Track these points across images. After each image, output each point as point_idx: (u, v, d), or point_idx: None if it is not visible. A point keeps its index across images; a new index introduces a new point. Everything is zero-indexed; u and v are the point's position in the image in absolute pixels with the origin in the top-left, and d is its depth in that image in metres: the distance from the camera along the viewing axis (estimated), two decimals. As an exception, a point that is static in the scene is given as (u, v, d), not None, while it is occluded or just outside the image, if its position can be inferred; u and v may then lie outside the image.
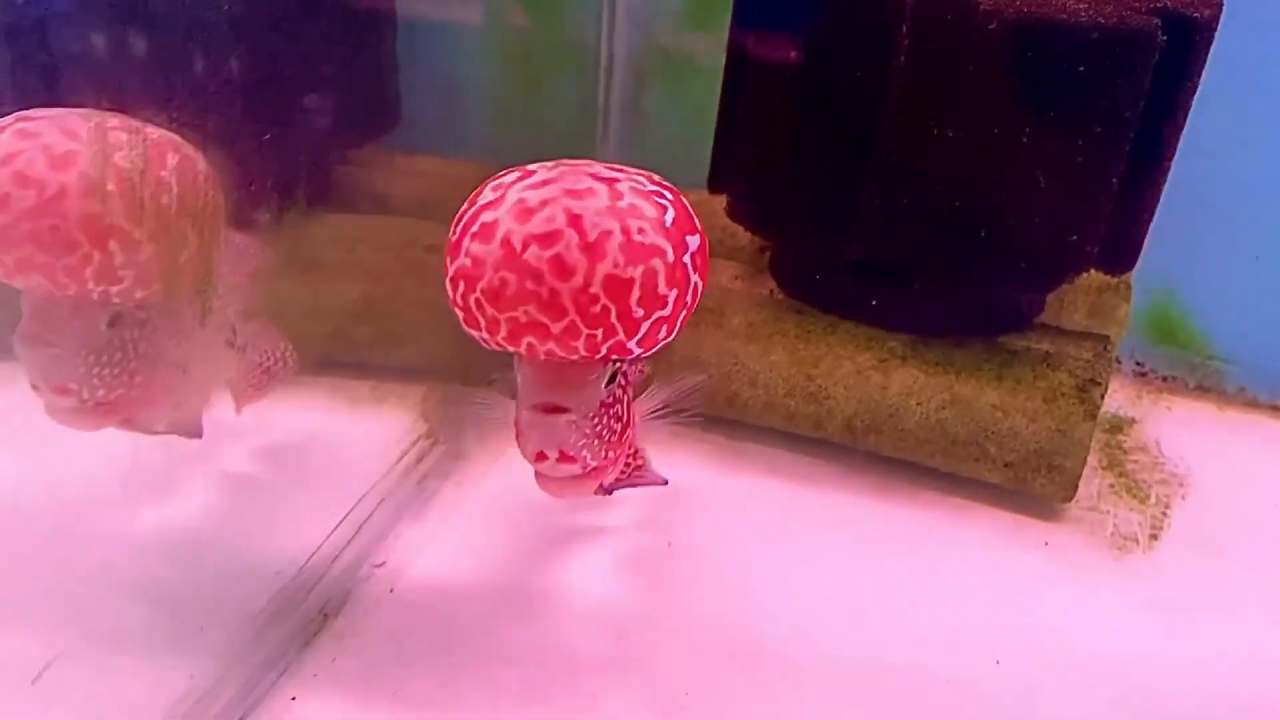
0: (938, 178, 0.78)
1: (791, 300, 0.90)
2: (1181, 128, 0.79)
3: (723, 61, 0.87)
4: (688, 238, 0.53)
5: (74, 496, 0.71)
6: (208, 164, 0.56)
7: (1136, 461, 0.90)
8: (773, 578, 0.75)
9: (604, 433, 0.58)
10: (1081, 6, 0.74)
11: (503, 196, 0.51)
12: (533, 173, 0.53)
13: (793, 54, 0.81)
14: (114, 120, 0.53)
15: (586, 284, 0.49)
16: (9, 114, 0.52)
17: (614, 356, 0.54)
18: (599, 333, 0.50)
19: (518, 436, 0.57)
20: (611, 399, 0.58)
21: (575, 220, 0.49)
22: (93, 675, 0.60)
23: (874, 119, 0.78)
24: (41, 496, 0.70)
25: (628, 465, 0.70)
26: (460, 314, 0.52)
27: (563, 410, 0.54)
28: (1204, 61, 0.77)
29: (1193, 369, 1.03)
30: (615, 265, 0.49)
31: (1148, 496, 0.85)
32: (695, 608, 0.72)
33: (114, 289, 0.53)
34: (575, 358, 0.52)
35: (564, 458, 0.56)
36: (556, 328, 0.50)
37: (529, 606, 0.71)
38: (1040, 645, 0.71)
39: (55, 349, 0.54)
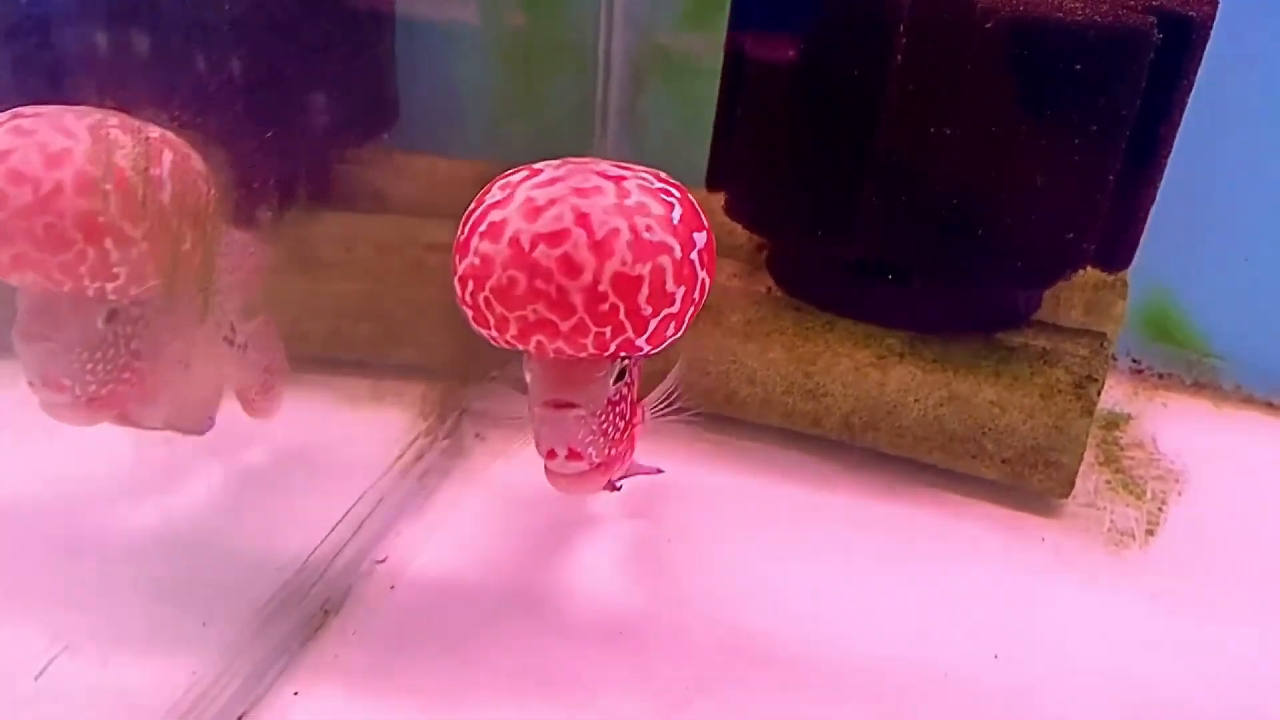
0: (935, 176, 0.78)
1: (789, 298, 0.90)
2: (1177, 125, 0.79)
3: (720, 61, 0.87)
4: (695, 234, 0.53)
5: (76, 493, 0.71)
6: (204, 162, 0.56)
7: (1133, 458, 0.90)
8: (771, 574, 0.75)
9: (610, 430, 0.58)
10: (1078, 5, 0.74)
11: (511, 195, 0.52)
12: (540, 171, 0.53)
13: (790, 53, 0.81)
14: (111, 118, 0.53)
15: (595, 282, 0.49)
16: (5, 111, 0.53)
17: (622, 354, 0.54)
18: (608, 330, 0.51)
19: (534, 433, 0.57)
20: (618, 396, 0.58)
21: (583, 219, 0.50)
22: (96, 671, 0.60)
23: (872, 118, 0.78)
24: (44, 493, 0.71)
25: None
26: (469, 312, 0.53)
27: (572, 406, 0.55)
28: (1199, 60, 0.77)
29: (1189, 366, 1.04)
30: (623, 263, 0.50)
31: (1144, 492, 0.86)
32: (695, 604, 0.72)
33: (110, 286, 0.53)
34: (584, 355, 0.52)
35: (572, 455, 0.57)
36: (565, 325, 0.50)
37: (529, 602, 0.71)
38: (1037, 640, 0.71)
39: (51, 345, 0.54)
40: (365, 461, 0.79)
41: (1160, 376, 1.04)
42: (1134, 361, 1.05)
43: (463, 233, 0.52)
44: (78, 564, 0.67)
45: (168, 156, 0.54)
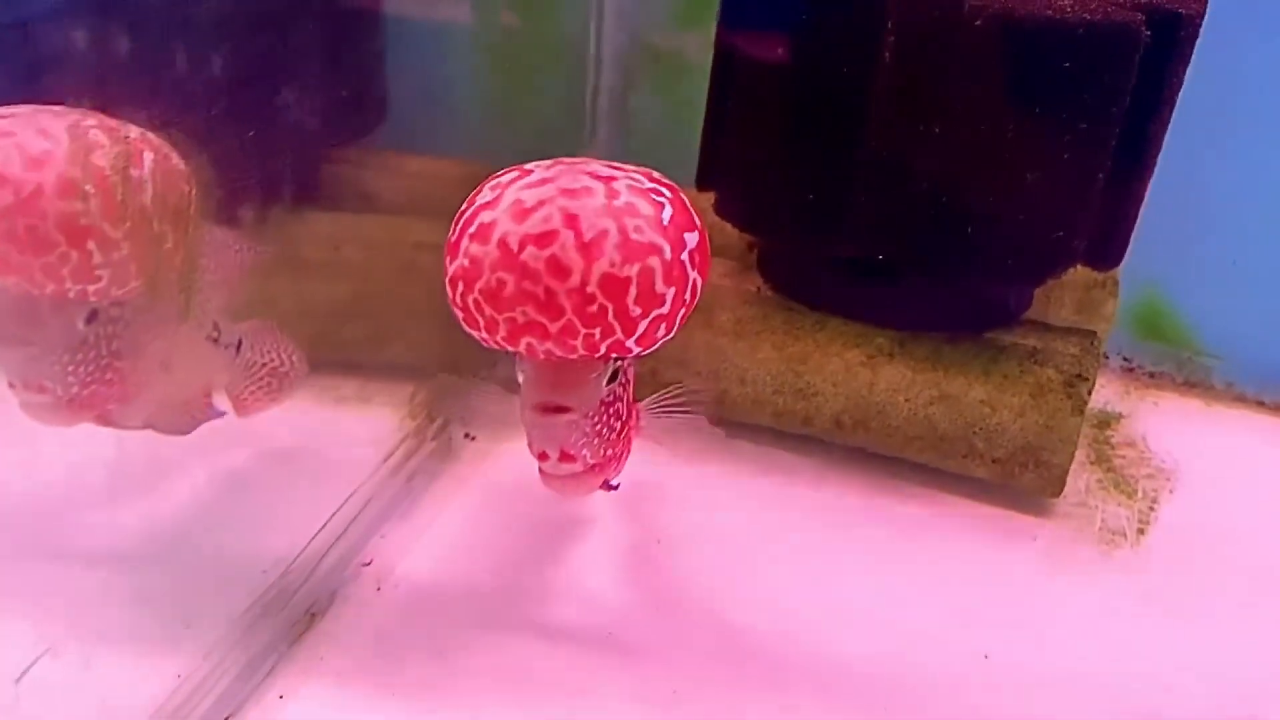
0: (925, 174, 0.78)
1: (779, 297, 0.90)
2: (1167, 123, 0.79)
3: (710, 60, 0.87)
4: (686, 235, 0.53)
5: (58, 494, 0.70)
6: (184, 161, 0.56)
7: (1124, 457, 0.90)
8: (761, 574, 0.75)
9: (604, 431, 0.58)
10: (1067, 3, 0.74)
11: (500, 196, 0.51)
12: (530, 172, 0.53)
13: (780, 52, 0.81)
14: (88, 119, 0.53)
15: (583, 283, 0.49)
16: None
17: (613, 355, 0.54)
18: (597, 331, 0.51)
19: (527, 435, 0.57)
20: (612, 397, 0.58)
21: (571, 220, 0.50)
22: (77, 674, 0.59)
23: (861, 116, 0.78)
24: (25, 494, 0.70)
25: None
26: (460, 314, 0.53)
27: (564, 409, 0.55)
28: (1189, 57, 0.77)
29: (1180, 364, 1.04)
30: (611, 264, 0.49)
31: (1135, 491, 0.86)
32: (684, 605, 0.72)
33: (92, 288, 0.53)
34: (574, 356, 0.52)
35: (565, 457, 0.57)
36: (554, 327, 0.50)
37: (517, 604, 0.71)
38: (1029, 641, 0.71)
39: (31, 347, 0.54)
40: (352, 462, 0.79)
41: (1151, 375, 1.04)
42: (1125, 360, 1.05)
43: (453, 234, 0.52)
44: (59, 565, 0.66)
45: (148, 156, 0.54)
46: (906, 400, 0.82)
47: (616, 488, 0.72)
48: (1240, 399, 1.02)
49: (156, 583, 0.66)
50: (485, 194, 0.52)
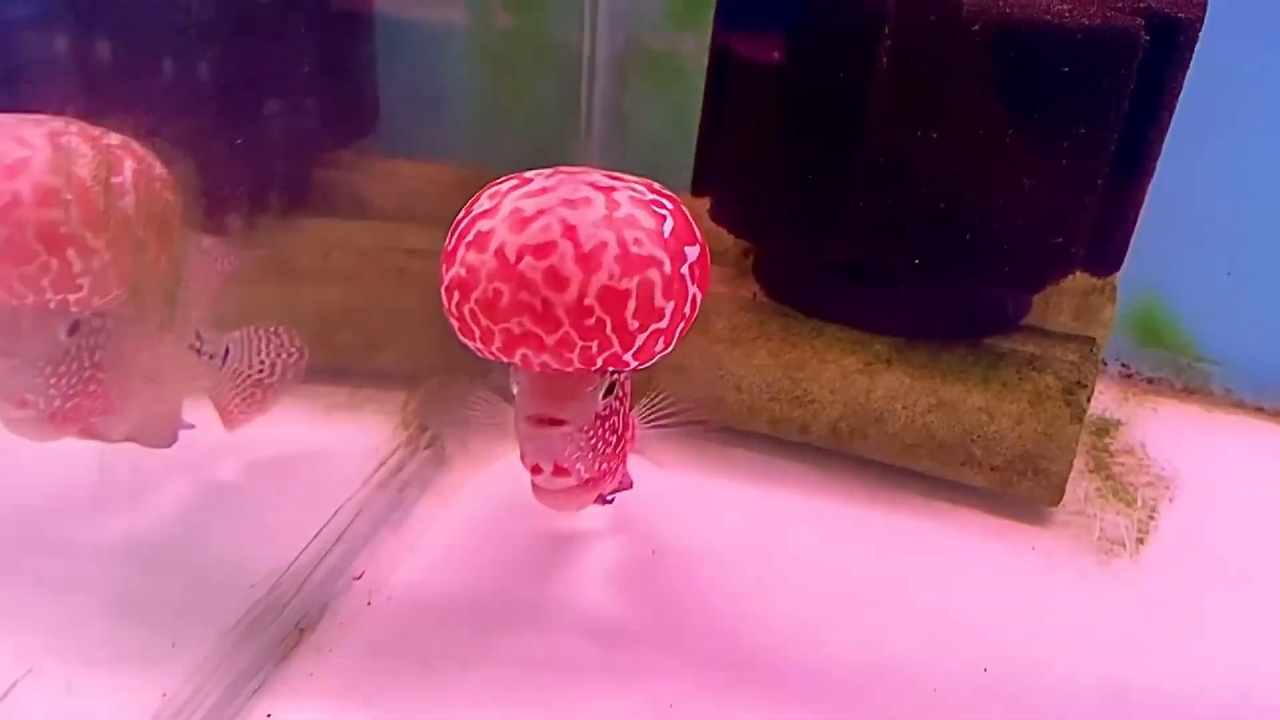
0: (923, 180, 0.77)
1: (776, 303, 0.89)
2: (1166, 129, 0.79)
3: (706, 62, 0.86)
4: (686, 248, 0.52)
5: (40, 508, 0.69)
6: (168, 169, 0.55)
7: (1123, 464, 0.89)
8: (757, 584, 0.74)
9: (599, 445, 0.57)
10: (1065, 8, 0.73)
11: (499, 205, 0.51)
12: (530, 180, 0.52)
13: (777, 55, 0.80)
14: (68, 126, 0.52)
15: (581, 296, 0.48)
16: None
17: (610, 368, 0.53)
18: (594, 345, 0.50)
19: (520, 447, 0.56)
20: (608, 410, 0.57)
21: (570, 231, 0.49)
22: (61, 693, 0.58)
23: (859, 121, 0.77)
24: (6, 506, 0.69)
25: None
26: (455, 323, 0.52)
27: (558, 422, 0.54)
28: (1188, 62, 0.76)
29: (1178, 371, 1.03)
30: (610, 277, 0.49)
31: (1134, 500, 0.85)
32: (680, 615, 0.71)
33: (73, 297, 0.52)
34: (570, 369, 0.51)
35: (558, 471, 0.56)
36: (550, 339, 0.49)
37: (510, 617, 0.70)
38: (1028, 651, 0.70)
39: (13, 360, 0.53)
40: (343, 472, 0.78)
41: (1149, 381, 1.04)
42: (1123, 366, 1.05)
43: (450, 241, 0.51)
44: (41, 583, 0.65)
45: (129, 164, 0.53)
46: (904, 407, 0.81)
47: (611, 501, 0.71)
48: (1239, 405, 1.01)
49: (141, 599, 0.65)
50: (483, 202, 0.52)
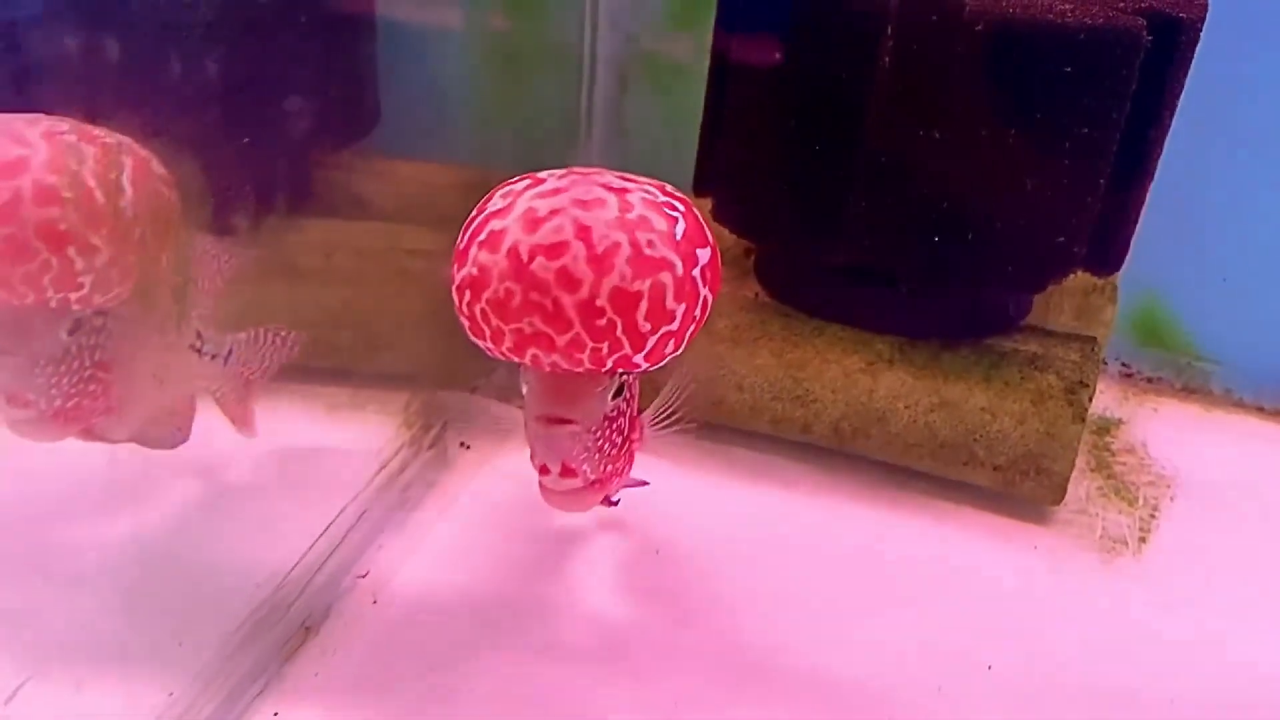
0: (924, 180, 0.77)
1: (777, 303, 0.90)
2: (1167, 129, 0.79)
3: (706, 63, 0.86)
4: (698, 250, 0.52)
5: (46, 509, 0.69)
6: (168, 168, 0.55)
7: (1124, 463, 0.89)
8: (760, 583, 0.74)
9: (607, 446, 0.57)
10: (1067, 7, 0.74)
11: (511, 204, 0.50)
12: (543, 180, 0.52)
13: (778, 55, 0.80)
14: (66, 125, 0.52)
15: (593, 297, 0.48)
16: None
17: (619, 370, 0.53)
18: (604, 346, 0.50)
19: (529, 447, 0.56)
20: (616, 412, 0.57)
21: (584, 232, 0.49)
22: (68, 693, 0.58)
23: (860, 121, 0.77)
24: (12, 509, 0.69)
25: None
26: (465, 322, 0.52)
27: (567, 422, 0.54)
28: (1190, 62, 0.77)
29: (1179, 370, 1.03)
30: (622, 278, 0.49)
31: (1136, 499, 0.85)
32: (683, 614, 0.71)
33: (74, 296, 0.52)
34: (580, 370, 0.51)
35: (566, 471, 0.56)
36: (561, 340, 0.49)
37: (514, 617, 0.70)
38: (1031, 651, 0.70)
39: (14, 359, 0.53)
40: (347, 473, 0.78)
41: (1150, 381, 1.04)
42: (1124, 366, 1.05)
43: (462, 240, 0.51)
44: (48, 584, 0.65)
45: (128, 163, 0.53)
46: (906, 407, 0.82)
47: (616, 503, 0.71)
48: (1239, 405, 1.02)
49: (147, 599, 0.65)
50: (496, 201, 0.51)
